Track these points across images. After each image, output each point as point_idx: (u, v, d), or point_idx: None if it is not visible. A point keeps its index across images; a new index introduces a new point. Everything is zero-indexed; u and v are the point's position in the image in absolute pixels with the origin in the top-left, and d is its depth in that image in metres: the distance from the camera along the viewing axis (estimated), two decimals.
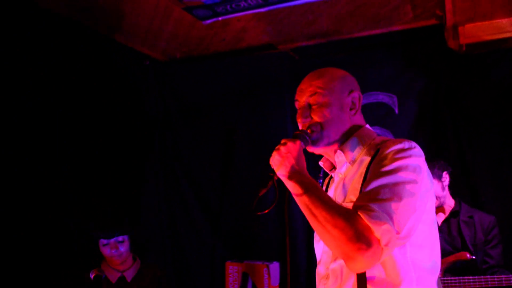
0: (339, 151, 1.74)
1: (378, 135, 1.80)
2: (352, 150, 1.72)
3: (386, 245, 1.44)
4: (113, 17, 3.66)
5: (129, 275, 3.24)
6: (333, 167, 1.82)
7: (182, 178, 4.58)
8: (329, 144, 1.73)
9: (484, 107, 3.83)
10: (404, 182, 1.51)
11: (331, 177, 1.91)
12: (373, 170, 1.57)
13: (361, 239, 1.43)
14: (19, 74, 3.32)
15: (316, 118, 1.72)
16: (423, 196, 1.54)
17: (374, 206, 1.46)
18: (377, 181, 1.52)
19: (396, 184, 1.50)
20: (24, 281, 3.18)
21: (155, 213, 4.50)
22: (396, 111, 4.01)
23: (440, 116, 3.95)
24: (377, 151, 1.64)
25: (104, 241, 3.15)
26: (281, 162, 1.59)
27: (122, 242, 3.19)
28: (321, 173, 2.09)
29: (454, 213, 3.50)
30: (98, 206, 3.75)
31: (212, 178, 4.61)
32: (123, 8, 3.55)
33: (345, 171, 1.72)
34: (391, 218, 1.44)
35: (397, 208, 1.47)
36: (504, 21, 3.49)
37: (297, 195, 1.56)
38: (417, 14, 3.70)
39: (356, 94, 1.78)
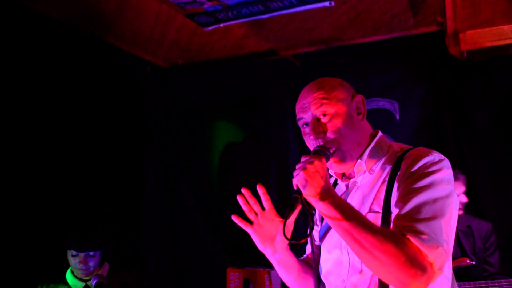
0: (359, 161, 1.66)
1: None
2: (372, 159, 1.66)
3: (439, 268, 1.40)
4: (115, 24, 3.68)
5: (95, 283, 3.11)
6: (343, 175, 1.74)
7: (183, 184, 4.58)
8: (350, 159, 1.65)
9: (485, 112, 3.85)
10: (442, 198, 1.46)
11: (335, 183, 1.82)
12: (406, 185, 1.50)
13: (414, 264, 1.36)
14: (23, 78, 3.35)
15: (330, 133, 1.62)
16: (456, 208, 1.52)
17: (420, 227, 1.39)
18: (415, 199, 1.45)
19: (435, 200, 1.45)
20: (23, 280, 3.17)
21: (155, 219, 4.50)
22: (397, 117, 4.02)
23: (441, 121, 3.96)
24: (398, 159, 1.59)
25: (74, 252, 3.06)
26: (309, 183, 1.46)
27: (92, 256, 3.10)
28: None
29: None
30: (98, 207, 3.75)
31: (213, 183, 4.61)
32: (125, 15, 3.56)
33: (362, 180, 1.66)
34: (440, 239, 1.39)
35: (441, 226, 1.42)
36: (504, 28, 3.50)
37: (333, 218, 1.45)
38: (418, 20, 3.71)
39: (359, 97, 1.71)
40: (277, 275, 3.56)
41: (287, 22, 3.75)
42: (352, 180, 1.68)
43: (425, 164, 1.52)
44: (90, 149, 3.85)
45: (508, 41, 3.54)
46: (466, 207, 3.64)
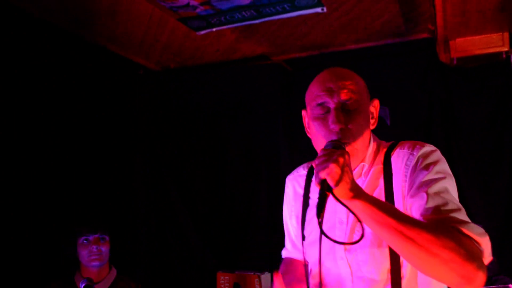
0: (362, 164, 1.59)
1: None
2: (369, 161, 1.61)
3: (488, 256, 1.31)
4: (108, 27, 3.68)
5: (102, 287, 3.07)
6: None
7: (172, 188, 4.57)
8: (355, 159, 1.57)
9: (475, 119, 3.89)
10: (452, 186, 1.44)
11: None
12: (412, 181, 1.45)
13: (475, 257, 1.25)
14: (15, 80, 3.34)
15: (352, 125, 1.52)
16: None
17: (460, 216, 1.33)
18: (432, 191, 1.38)
19: (447, 190, 1.40)
20: (18, 283, 3.15)
21: (143, 222, 4.48)
22: (388, 122, 4.04)
23: (431, 128, 3.99)
24: (386, 158, 1.56)
25: (85, 237, 3.01)
26: (342, 177, 1.30)
27: (104, 241, 3.06)
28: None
29: None
30: (87, 210, 3.74)
31: (203, 188, 4.60)
32: (118, 18, 3.56)
33: None
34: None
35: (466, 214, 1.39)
36: (493, 36, 3.56)
37: (373, 217, 1.31)
38: (409, 28, 3.74)
39: (376, 102, 1.65)
40: (267, 279, 3.57)
41: (280, 27, 3.77)
42: None
43: (421, 157, 1.49)
44: (81, 150, 3.84)
45: (497, 49, 3.60)
46: None
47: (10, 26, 3.29)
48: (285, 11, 3.43)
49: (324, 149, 1.39)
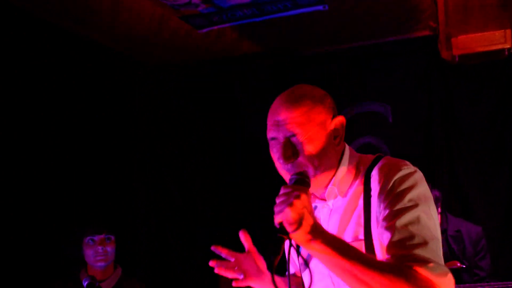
0: (331, 187, 1.52)
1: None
2: (344, 182, 1.53)
3: None
4: (109, 26, 3.67)
5: (107, 286, 3.03)
6: None
7: (172, 188, 4.56)
8: (321, 186, 1.51)
9: (476, 116, 3.89)
10: (425, 214, 1.38)
11: None
12: (385, 209, 1.40)
13: None
14: (17, 79, 3.35)
15: (302, 157, 1.45)
16: (437, 218, 1.45)
17: (422, 253, 1.31)
18: (400, 223, 1.35)
19: (419, 219, 1.36)
20: (21, 283, 3.13)
21: (143, 222, 4.47)
22: (390, 120, 4.04)
23: (432, 125, 4.00)
24: (366, 177, 1.50)
25: (91, 237, 2.99)
26: (298, 221, 1.26)
27: (109, 241, 3.04)
28: None
29: (441, 232, 3.48)
30: (87, 210, 3.72)
31: (203, 188, 4.59)
32: (119, 17, 3.55)
33: (334, 204, 1.54)
34: (441, 261, 1.33)
35: (436, 246, 1.35)
36: (496, 33, 3.57)
37: (328, 259, 1.30)
38: (411, 25, 3.75)
39: (339, 120, 1.53)
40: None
41: (281, 25, 3.77)
42: (323, 202, 1.56)
43: (396, 181, 1.42)
44: (81, 150, 3.82)
45: (499, 46, 3.61)
46: (456, 211, 3.67)
47: (10, 26, 3.28)
48: (286, 9, 3.43)
49: (285, 186, 1.36)
